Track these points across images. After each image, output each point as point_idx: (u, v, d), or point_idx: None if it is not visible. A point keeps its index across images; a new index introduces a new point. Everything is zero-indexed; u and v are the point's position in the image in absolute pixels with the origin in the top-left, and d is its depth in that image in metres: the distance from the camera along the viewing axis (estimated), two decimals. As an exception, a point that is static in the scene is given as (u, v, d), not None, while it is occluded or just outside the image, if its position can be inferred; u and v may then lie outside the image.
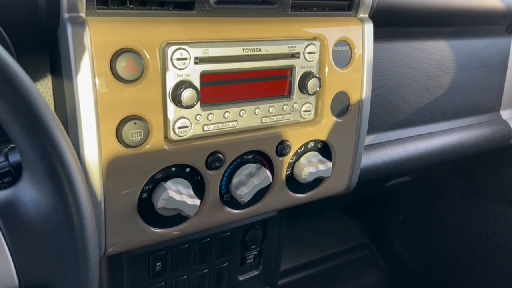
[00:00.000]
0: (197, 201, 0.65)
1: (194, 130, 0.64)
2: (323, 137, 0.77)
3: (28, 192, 0.35)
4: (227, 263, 0.89)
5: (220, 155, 0.67)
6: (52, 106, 0.62)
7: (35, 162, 0.34)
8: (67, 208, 0.35)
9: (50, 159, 0.34)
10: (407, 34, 0.98)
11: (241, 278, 0.94)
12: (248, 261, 0.93)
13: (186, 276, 0.84)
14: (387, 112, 0.98)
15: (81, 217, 0.35)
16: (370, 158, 0.94)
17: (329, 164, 0.78)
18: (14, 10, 0.52)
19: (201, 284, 0.87)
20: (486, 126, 1.19)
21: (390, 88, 0.97)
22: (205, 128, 0.65)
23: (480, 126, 1.18)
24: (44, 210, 0.35)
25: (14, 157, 0.44)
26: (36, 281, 0.35)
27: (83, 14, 0.54)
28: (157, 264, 0.79)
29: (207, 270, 0.86)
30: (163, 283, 0.82)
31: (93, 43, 0.54)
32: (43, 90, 0.61)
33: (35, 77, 0.60)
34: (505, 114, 1.25)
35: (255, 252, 0.93)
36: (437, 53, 1.04)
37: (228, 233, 0.86)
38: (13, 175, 0.44)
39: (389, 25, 0.91)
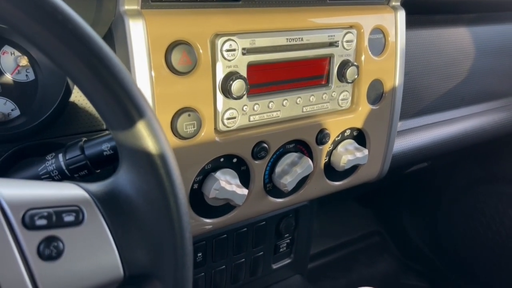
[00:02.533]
0: (245, 191, 0.66)
1: (241, 120, 0.65)
2: (359, 125, 0.78)
3: (127, 183, 0.35)
4: (262, 252, 0.90)
5: (265, 145, 0.68)
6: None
7: (135, 153, 0.35)
8: (166, 197, 0.35)
9: (150, 151, 0.35)
10: (431, 22, 0.98)
11: (274, 266, 0.95)
12: (281, 250, 0.94)
13: (224, 266, 0.85)
14: (413, 99, 0.99)
15: (178, 206, 0.36)
16: (398, 145, 0.95)
17: (366, 151, 0.79)
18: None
19: (238, 274, 0.88)
20: (503, 111, 1.21)
21: (415, 75, 0.98)
22: (251, 118, 0.66)
23: (497, 111, 1.20)
24: (144, 199, 0.35)
25: (89, 150, 0.44)
26: (139, 270, 0.35)
27: (138, 7, 0.54)
28: (198, 255, 0.80)
29: (243, 259, 0.87)
30: (203, 273, 0.83)
31: (149, 36, 0.54)
32: (94, 84, 0.61)
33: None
34: (520, 98, 1.27)
35: (288, 241, 0.94)
36: (459, 40, 1.05)
37: (264, 222, 0.87)
38: (89, 168, 0.44)
39: (415, 13, 0.92)
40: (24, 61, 0.61)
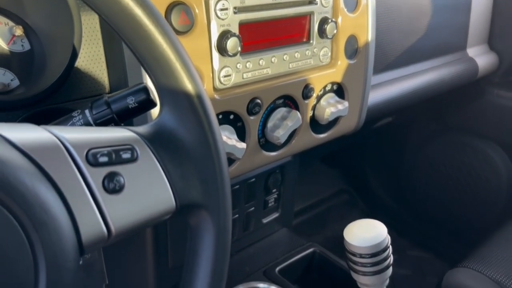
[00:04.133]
0: (244, 144, 0.70)
1: (235, 78, 0.68)
2: (338, 79, 0.84)
3: (171, 123, 0.39)
4: (253, 208, 0.95)
5: (259, 101, 0.72)
6: (104, 66, 0.63)
7: (177, 95, 0.38)
8: (206, 136, 0.39)
9: (190, 92, 0.38)
10: (392, -20, 1.05)
11: (264, 221, 1.00)
12: (269, 205, 0.99)
13: (220, 223, 0.89)
14: (380, 55, 1.05)
15: (216, 143, 0.40)
16: (371, 98, 1.02)
17: (346, 103, 0.84)
18: None
19: (233, 230, 0.92)
20: (458, 64, 1.31)
21: (381, 31, 1.04)
22: (244, 75, 0.69)
23: (453, 63, 1.29)
24: (187, 135, 0.39)
25: (115, 104, 0.46)
26: (188, 200, 0.39)
27: (137, -31, 0.56)
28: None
29: (237, 215, 0.92)
30: (201, 231, 0.86)
31: (150, -3, 0.56)
32: (95, 50, 0.62)
33: (86, 37, 0.61)
34: (471, 51, 1.37)
35: (275, 196, 1.00)
36: (416, -3, 1.12)
37: (254, 179, 0.92)
38: (116, 121, 0.47)
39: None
40: (19, 31, 0.61)
